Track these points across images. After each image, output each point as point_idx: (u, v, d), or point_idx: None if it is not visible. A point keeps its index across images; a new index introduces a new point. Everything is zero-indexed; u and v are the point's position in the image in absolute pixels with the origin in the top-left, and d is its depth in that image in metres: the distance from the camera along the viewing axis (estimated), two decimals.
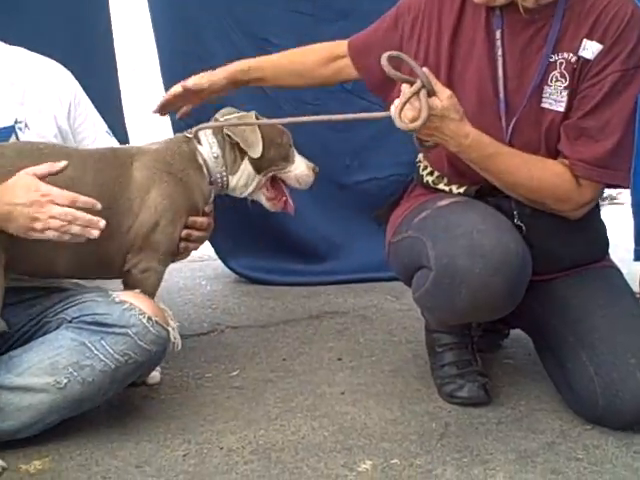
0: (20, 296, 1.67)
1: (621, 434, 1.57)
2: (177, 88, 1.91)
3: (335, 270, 2.84)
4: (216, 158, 1.78)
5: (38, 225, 1.49)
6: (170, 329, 1.64)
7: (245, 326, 2.37)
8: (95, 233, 1.51)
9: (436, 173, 1.80)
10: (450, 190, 1.77)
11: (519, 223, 1.67)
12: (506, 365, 1.98)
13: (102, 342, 1.55)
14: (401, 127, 1.51)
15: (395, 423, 1.66)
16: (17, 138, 1.71)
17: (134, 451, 1.55)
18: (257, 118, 1.81)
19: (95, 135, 1.85)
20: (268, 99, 2.67)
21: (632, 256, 2.60)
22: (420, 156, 1.86)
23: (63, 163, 1.56)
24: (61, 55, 1.87)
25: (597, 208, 1.78)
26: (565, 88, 1.62)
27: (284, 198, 1.90)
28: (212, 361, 2.05)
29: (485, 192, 1.71)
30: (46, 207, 1.50)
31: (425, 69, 1.53)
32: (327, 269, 2.84)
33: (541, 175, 1.63)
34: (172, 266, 3.18)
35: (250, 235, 2.84)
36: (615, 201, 5.27)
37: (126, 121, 2.67)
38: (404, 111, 1.49)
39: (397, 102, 1.53)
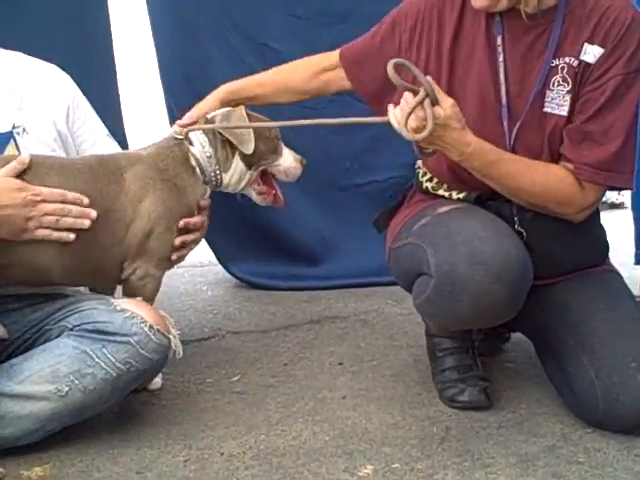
0: (20, 302, 1.67)
1: (622, 437, 1.57)
2: (176, 128, 1.83)
3: (336, 274, 2.84)
4: (209, 157, 1.77)
5: (31, 224, 1.50)
6: (171, 337, 1.64)
7: (246, 331, 2.37)
8: (87, 223, 1.55)
9: (436, 179, 1.81)
10: (450, 196, 1.77)
11: (520, 229, 1.67)
12: (507, 369, 1.98)
13: (103, 350, 1.55)
14: (407, 137, 1.51)
15: (396, 427, 1.65)
16: (15, 143, 1.71)
17: (135, 457, 1.55)
18: (247, 113, 1.80)
19: (94, 139, 1.85)
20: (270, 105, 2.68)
21: (633, 260, 2.62)
22: (419, 162, 1.86)
23: (27, 155, 1.57)
24: (59, 58, 1.88)
25: (597, 212, 1.78)
26: (567, 92, 1.62)
27: (274, 192, 1.90)
28: (213, 366, 2.05)
29: (485, 197, 1.71)
30: (39, 206, 1.52)
31: (428, 77, 1.54)
32: (328, 273, 2.85)
33: (543, 180, 1.63)
34: (173, 271, 3.20)
35: (251, 240, 2.84)
36: (619, 206, 5.27)
37: (126, 125, 2.67)
38: (408, 121, 1.50)
39: (397, 110, 1.54)
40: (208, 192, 1.80)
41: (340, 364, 2.05)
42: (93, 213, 1.56)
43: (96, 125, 1.88)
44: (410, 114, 1.50)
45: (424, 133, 1.50)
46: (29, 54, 1.83)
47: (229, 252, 2.91)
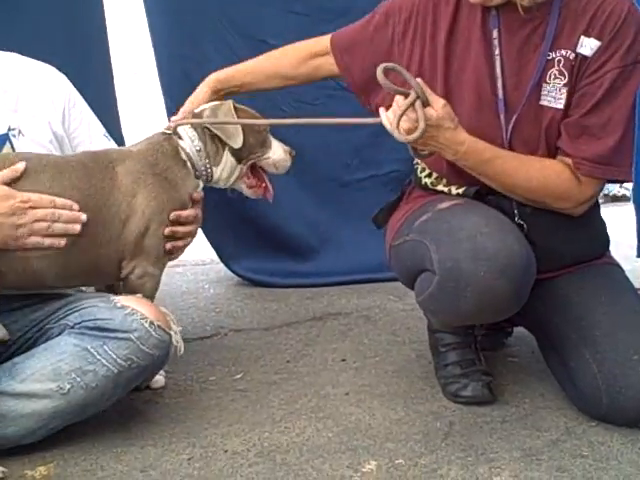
0: (22, 302, 1.67)
1: (626, 431, 1.57)
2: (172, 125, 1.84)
3: (337, 270, 2.84)
4: (199, 151, 1.76)
5: (22, 232, 1.50)
6: (172, 333, 1.64)
7: (248, 329, 2.37)
8: (77, 227, 1.54)
9: (434, 174, 1.80)
10: (449, 191, 1.77)
11: (520, 222, 1.67)
12: (510, 363, 1.98)
13: (105, 347, 1.55)
14: (400, 139, 1.52)
15: (399, 423, 1.65)
16: (11, 145, 1.70)
17: (139, 455, 1.55)
18: (235, 106, 1.80)
19: (90, 140, 1.84)
20: (267, 100, 2.67)
21: (635, 253, 2.61)
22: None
23: (22, 164, 1.55)
24: (55, 59, 1.87)
25: (597, 205, 1.78)
26: (564, 85, 1.62)
27: (264, 184, 1.90)
28: (216, 364, 2.05)
29: (484, 192, 1.71)
30: (29, 213, 1.51)
31: (419, 80, 1.54)
32: (329, 269, 2.84)
33: (539, 175, 1.63)
34: (175, 270, 3.22)
35: (251, 237, 2.85)
36: (622, 199, 5.26)
37: (127, 124, 2.67)
38: (400, 123, 1.50)
39: (390, 113, 1.55)
40: (201, 186, 1.79)
41: (343, 360, 2.05)
42: (83, 217, 1.54)
43: (93, 125, 1.87)
44: (402, 116, 1.51)
45: (416, 134, 1.51)
46: (25, 55, 1.82)
47: (230, 250, 2.91)
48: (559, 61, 1.61)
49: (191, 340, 2.21)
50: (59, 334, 1.61)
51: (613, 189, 5.43)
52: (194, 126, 1.77)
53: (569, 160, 1.64)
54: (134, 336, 1.55)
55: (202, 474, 1.47)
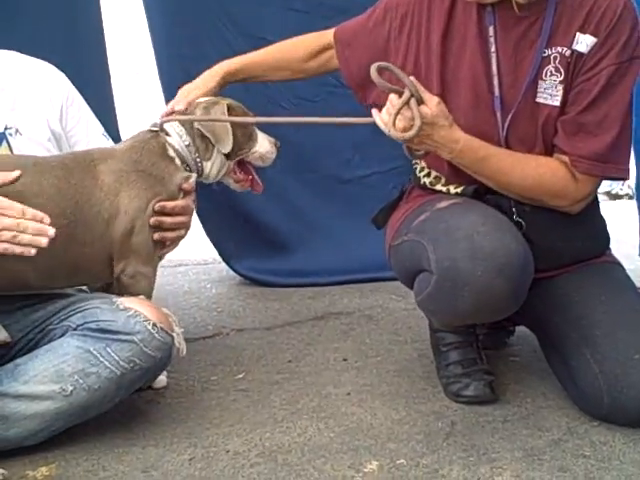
0: (22, 302, 1.67)
1: (628, 430, 1.56)
2: (180, 106, 1.83)
3: (339, 270, 2.84)
4: (188, 146, 1.76)
5: None
6: (175, 335, 1.63)
7: (250, 328, 2.37)
8: (44, 241, 1.45)
9: (433, 174, 1.80)
10: (448, 190, 1.77)
11: (518, 219, 1.67)
12: (512, 362, 1.97)
13: (107, 349, 1.55)
14: (395, 137, 1.52)
15: (401, 423, 1.65)
16: (8, 144, 1.70)
17: (140, 456, 1.55)
18: (229, 106, 1.79)
19: (88, 139, 1.83)
20: (266, 97, 2.68)
21: (637, 251, 2.61)
22: None
23: (16, 173, 1.49)
24: (52, 58, 1.86)
25: (596, 203, 1.77)
26: (560, 82, 1.61)
27: (251, 177, 1.90)
28: (217, 364, 2.05)
29: (483, 191, 1.70)
30: None
31: (412, 78, 1.54)
32: (331, 268, 2.84)
33: (535, 173, 1.63)
34: (177, 269, 3.22)
35: (253, 237, 2.85)
36: (624, 197, 5.25)
37: (126, 124, 2.67)
38: (395, 122, 1.51)
39: (384, 112, 1.55)
40: (193, 177, 1.77)
41: (344, 360, 2.05)
42: (51, 231, 1.45)
43: (91, 124, 1.87)
44: (397, 115, 1.51)
45: (412, 132, 1.51)
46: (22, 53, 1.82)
47: (232, 249, 2.91)
48: (555, 58, 1.61)
49: (193, 340, 2.21)
50: (62, 335, 1.60)
51: (615, 188, 5.42)
52: (182, 122, 1.77)
53: (565, 158, 1.63)
54: (137, 338, 1.55)
55: (204, 474, 1.47)
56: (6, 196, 1.45)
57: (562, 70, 1.61)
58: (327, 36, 1.91)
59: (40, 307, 1.67)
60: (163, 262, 3.23)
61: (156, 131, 1.76)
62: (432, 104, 1.55)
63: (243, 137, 1.82)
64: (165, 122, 1.76)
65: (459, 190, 1.74)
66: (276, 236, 2.86)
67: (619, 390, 1.53)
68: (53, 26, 2.41)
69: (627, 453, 1.49)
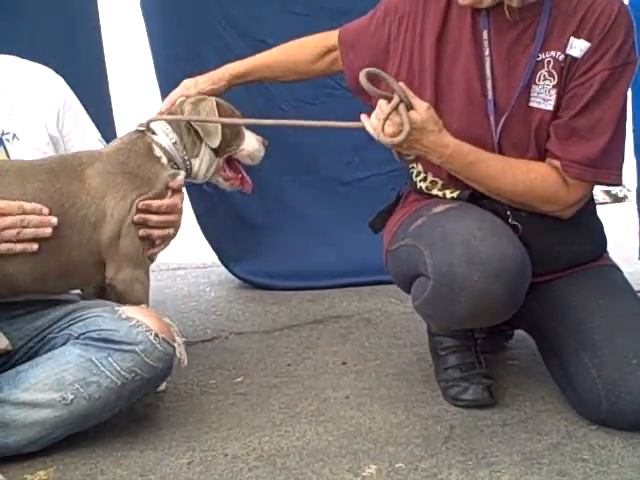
0: (23, 309, 1.67)
1: (627, 434, 1.56)
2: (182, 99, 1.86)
3: (338, 273, 2.84)
4: (175, 144, 1.76)
5: None
6: (176, 345, 1.63)
7: (249, 332, 2.37)
8: (48, 231, 1.51)
9: (429, 179, 1.80)
10: (444, 195, 1.76)
11: (514, 222, 1.66)
12: (510, 366, 1.97)
13: (109, 359, 1.54)
14: (384, 142, 1.53)
15: (400, 427, 1.65)
16: (5, 150, 1.70)
17: (139, 460, 1.55)
18: (217, 103, 1.80)
19: (83, 144, 1.83)
20: (266, 99, 2.69)
21: (637, 255, 2.61)
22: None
23: None
24: (49, 62, 1.86)
25: (593, 206, 1.77)
26: (554, 87, 1.61)
27: (240, 176, 1.91)
28: (216, 368, 2.05)
29: (478, 195, 1.70)
30: None
31: (401, 84, 1.55)
32: (330, 271, 2.84)
33: (525, 178, 1.62)
34: (176, 273, 3.23)
35: (252, 239, 2.85)
36: (623, 200, 5.26)
37: (126, 127, 2.67)
38: (384, 127, 1.51)
39: (373, 117, 1.56)
40: (181, 175, 1.76)
41: (343, 364, 2.05)
42: (53, 220, 1.51)
43: (87, 129, 1.87)
44: (386, 120, 1.52)
45: (401, 136, 1.52)
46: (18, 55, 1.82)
47: (231, 252, 2.91)
48: (548, 62, 1.60)
49: (192, 343, 2.21)
50: (63, 344, 1.60)
51: (615, 190, 5.42)
52: (168, 120, 1.77)
53: (557, 163, 1.63)
54: (139, 349, 1.55)
55: (202, 478, 1.47)
56: None
57: (555, 75, 1.60)
58: (332, 37, 1.91)
59: (41, 315, 1.67)
60: (162, 265, 3.26)
61: (142, 131, 1.76)
62: (421, 109, 1.55)
63: (231, 134, 1.83)
64: (151, 121, 1.76)
65: (455, 195, 1.74)
66: (275, 239, 2.86)
67: (617, 395, 1.53)
68: (50, 29, 2.42)
69: (626, 457, 1.49)
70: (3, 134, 1.71)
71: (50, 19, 2.42)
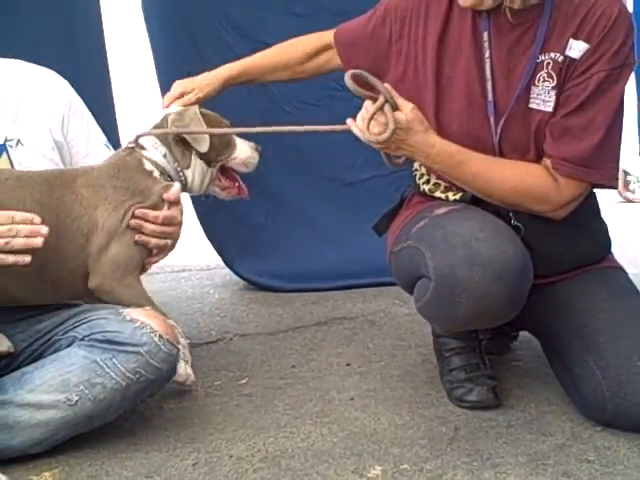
0: (27, 312, 1.67)
1: (632, 435, 1.56)
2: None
3: (342, 274, 2.83)
4: (165, 156, 1.76)
5: None
6: (180, 347, 1.64)
7: (253, 334, 2.37)
8: (39, 241, 1.47)
9: (432, 181, 1.80)
10: (447, 197, 1.76)
11: (517, 224, 1.66)
12: (515, 367, 1.97)
13: (114, 360, 1.55)
14: (369, 140, 1.55)
15: (405, 428, 1.65)
16: (8, 156, 1.70)
17: (144, 461, 1.55)
18: (201, 112, 1.80)
19: (88, 149, 1.83)
20: (269, 101, 2.69)
21: None
22: (416, 164, 1.86)
23: None
24: (51, 66, 1.86)
25: (596, 207, 1.76)
26: (553, 88, 1.61)
27: (237, 184, 1.91)
28: (221, 369, 2.05)
29: (480, 198, 1.70)
30: None
31: (387, 85, 1.56)
32: (334, 272, 2.84)
33: (514, 178, 1.62)
34: (181, 275, 3.23)
35: (256, 241, 2.85)
36: (630, 202, 5.24)
37: (130, 128, 2.67)
38: (370, 127, 1.53)
39: (358, 118, 1.57)
40: (176, 186, 1.76)
41: (348, 365, 2.05)
42: (44, 229, 1.48)
43: (92, 134, 1.86)
44: (370, 120, 1.53)
45: (386, 134, 1.53)
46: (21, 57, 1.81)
47: (234, 253, 2.91)
48: (548, 64, 1.60)
49: (196, 345, 2.22)
50: (68, 346, 1.60)
51: (621, 192, 5.39)
52: (157, 134, 1.78)
53: (548, 161, 1.62)
54: (143, 350, 1.55)
55: (207, 479, 1.47)
56: None
57: (554, 76, 1.60)
58: (326, 37, 1.92)
59: (45, 318, 1.67)
60: (166, 267, 3.26)
61: (132, 147, 1.76)
62: (406, 110, 1.56)
63: (221, 144, 1.83)
64: (140, 137, 1.77)
65: (458, 197, 1.74)
66: (278, 240, 2.86)
67: (622, 397, 1.52)
68: (53, 31, 2.42)
69: (631, 458, 1.48)
70: (6, 140, 1.71)
71: (51, 19, 2.42)
